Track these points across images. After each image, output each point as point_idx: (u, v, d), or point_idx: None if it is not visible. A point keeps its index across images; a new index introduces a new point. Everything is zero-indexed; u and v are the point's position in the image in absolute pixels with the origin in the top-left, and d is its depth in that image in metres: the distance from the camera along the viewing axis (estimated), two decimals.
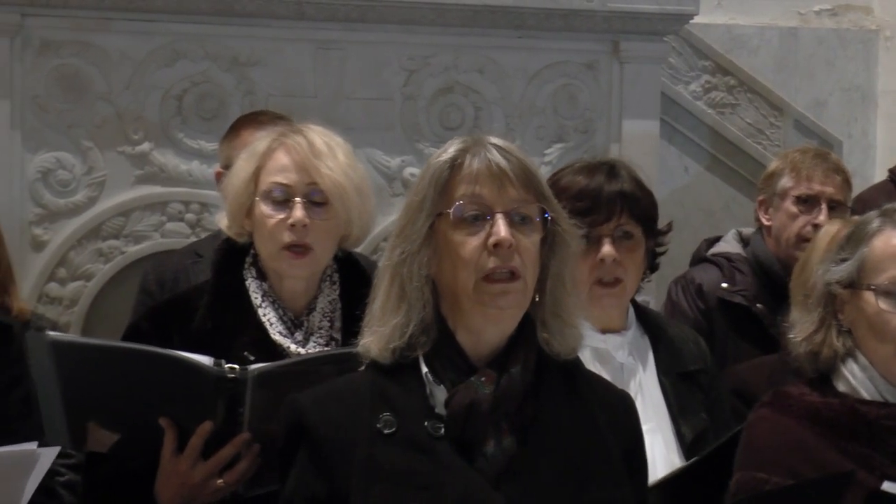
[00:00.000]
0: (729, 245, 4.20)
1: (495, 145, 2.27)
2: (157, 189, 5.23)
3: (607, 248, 2.95)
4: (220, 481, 2.60)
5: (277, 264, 2.78)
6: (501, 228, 2.22)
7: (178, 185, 5.23)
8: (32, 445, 2.40)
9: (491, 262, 2.21)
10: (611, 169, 3.03)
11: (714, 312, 4.00)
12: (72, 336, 2.75)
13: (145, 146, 5.21)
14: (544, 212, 2.26)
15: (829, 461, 2.55)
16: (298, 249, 2.77)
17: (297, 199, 2.77)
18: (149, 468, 2.62)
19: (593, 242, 2.94)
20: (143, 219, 5.22)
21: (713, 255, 4.16)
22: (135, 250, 5.17)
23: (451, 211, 2.23)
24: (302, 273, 2.80)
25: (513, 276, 2.23)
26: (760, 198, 4.16)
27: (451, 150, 2.28)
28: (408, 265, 2.24)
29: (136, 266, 5.02)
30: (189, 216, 5.23)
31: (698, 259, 4.24)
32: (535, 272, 2.26)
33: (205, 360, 2.56)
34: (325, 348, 2.79)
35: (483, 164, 2.24)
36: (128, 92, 5.17)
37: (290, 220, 2.76)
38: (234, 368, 2.56)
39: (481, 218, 2.23)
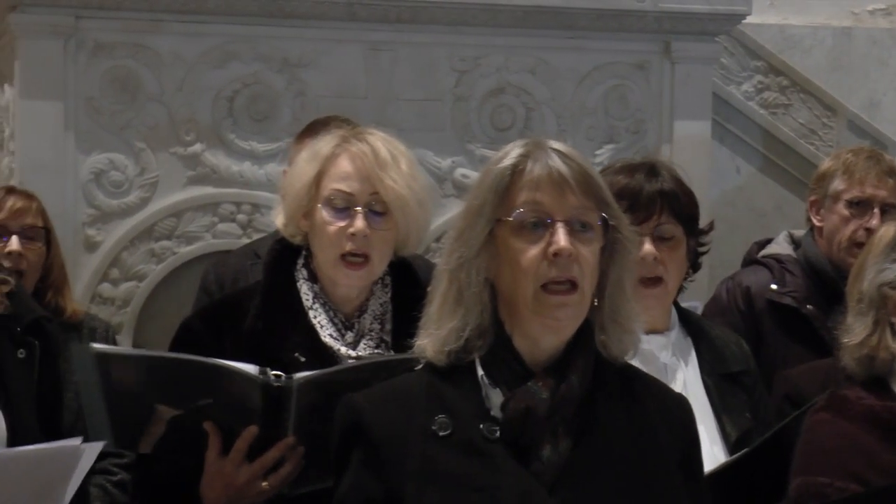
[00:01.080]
0: (780, 247, 4.16)
1: (557, 151, 2.25)
2: (208, 190, 5.26)
3: (647, 247, 2.94)
4: (264, 483, 2.61)
5: (334, 272, 2.78)
6: (561, 238, 2.20)
7: (230, 186, 5.26)
8: (76, 441, 2.42)
9: (550, 272, 2.20)
10: (651, 168, 3.02)
11: (762, 315, 3.96)
12: (116, 347, 2.76)
13: (197, 147, 5.23)
14: (605, 219, 2.25)
15: (891, 465, 2.53)
16: (357, 259, 2.77)
17: (359, 209, 2.77)
18: (195, 469, 2.63)
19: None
20: (194, 220, 5.25)
21: (763, 256, 4.13)
22: (187, 251, 5.20)
23: (510, 218, 2.22)
24: (357, 284, 2.80)
25: (571, 286, 2.21)
26: (812, 198, 4.12)
27: (512, 155, 2.25)
28: (465, 270, 2.23)
29: (188, 267, 5.06)
30: (241, 217, 5.25)
31: (748, 261, 4.20)
32: (594, 280, 2.24)
33: (251, 368, 2.57)
34: (376, 351, 2.78)
35: (544, 170, 2.22)
36: (180, 93, 5.20)
37: (351, 230, 2.76)
38: (279, 377, 2.56)
39: (541, 225, 2.21)
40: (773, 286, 3.96)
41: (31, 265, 3.93)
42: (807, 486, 2.53)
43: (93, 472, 3.69)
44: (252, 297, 2.82)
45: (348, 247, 2.76)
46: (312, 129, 3.90)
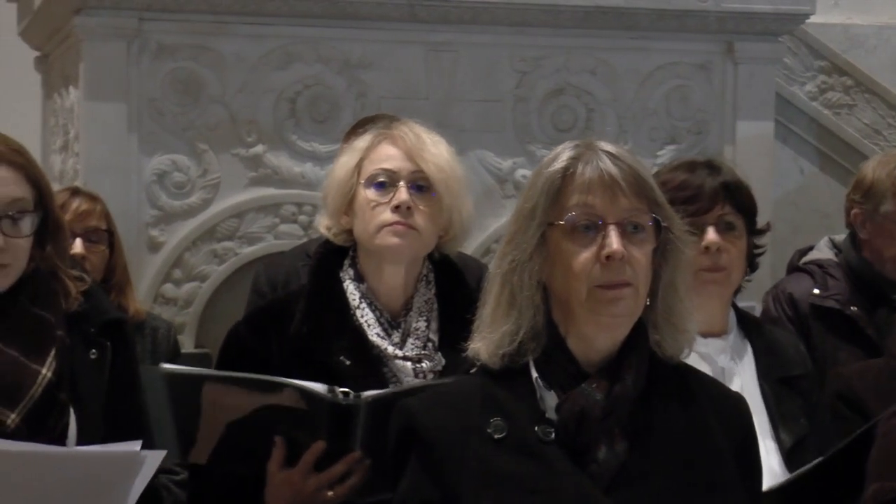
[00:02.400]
0: (821, 252, 4.15)
1: (607, 152, 2.24)
2: (270, 191, 5.29)
3: (712, 235, 2.94)
4: (330, 493, 2.62)
5: (381, 242, 2.77)
6: (614, 241, 2.19)
7: (292, 187, 5.28)
8: (136, 446, 2.43)
9: (603, 275, 2.19)
10: (710, 163, 3.04)
11: (808, 320, 3.95)
12: (186, 368, 2.78)
13: (259, 148, 5.26)
14: (657, 220, 2.24)
15: None
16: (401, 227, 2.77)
17: (402, 184, 2.78)
18: (248, 477, 2.65)
19: (696, 231, 2.92)
20: (256, 220, 5.28)
21: (805, 263, 4.13)
22: (248, 252, 5.23)
23: (562, 222, 2.21)
24: (405, 251, 2.78)
25: (625, 285, 2.21)
26: (855, 211, 4.06)
27: (562, 157, 2.25)
28: (518, 273, 2.23)
29: (250, 267, 5.08)
30: (302, 218, 5.27)
31: (791, 269, 4.20)
32: (648, 281, 2.24)
33: (319, 387, 2.58)
34: (423, 351, 2.79)
35: (595, 172, 2.22)
36: (242, 95, 5.22)
37: (395, 202, 2.76)
38: (347, 395, 2.57)
39: (593, 228, 2.21)
40: (816, 290, 3.95)
41: (93, 267, 3.96)
42: (883, 491, 2.50)
43: (157, 471, 3.73)
44: (297, 300, 2.83)
45: (392, 219, 2.76)
46: (360, 127, 3.92)
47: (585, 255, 2.20)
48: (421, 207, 2.78)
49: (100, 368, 2.66)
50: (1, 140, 2.64)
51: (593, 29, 5.47)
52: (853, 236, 4.07)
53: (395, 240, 2.77)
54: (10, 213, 2.56)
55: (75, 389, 2.60)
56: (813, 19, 5.94)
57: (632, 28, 5.50)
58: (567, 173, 2.23)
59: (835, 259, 4.07)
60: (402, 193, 2.77)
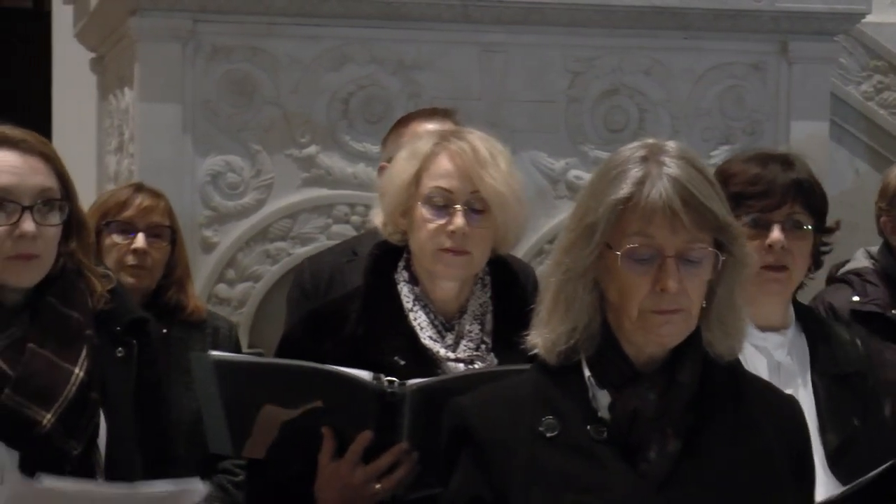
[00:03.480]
0: (857, 262, 4.17)
1: (673, 178, 2.20)
2: (323, 191, 5.31)
3: (776, 234, 2.91)
4: (377, 486, 2.62)
5: (434, 266, 2.79)
6: (670, 277, 2.17)
7: (344, 188, 5.29)
8: (197, 484, 2.44)
9: (657, 304, 2.18)
10: (785, 159, 3.00)
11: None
12: (234, 355, 2.79)
13: (312, 149, 5.28)
14: (719, 246, 2.22)
15: None
16: (457, 252, 2.77)
17: (458, 207, 2.77)
18: (304, 473, 2.66)
19: (762, 228, 2.90)
20: (309, 221, 5.30)
21: (842, 274, 4.13)
22: (301, 252, 5.24)
23: (620, 252, 2.20)
24: (458, 274, 2.80)
25: (677, 311, 2.20)
26: (883, 218, 4.07)
27: (629, 179, 2.20)
28: (573, 284, 2.23)
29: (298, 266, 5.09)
30: (355, 218, 5.28)
31: (829, 280, 4.21)
32: (702, 298, 2.23)
33: (364, 374, 2.59)
34: (476, 353, 2.79)
35: (658, 202, 2.18)
36: (295, 95, 5.24)
37: (451, 227, 2.76)
38: (392, 383, 2.58)
39: (650, 260, 2.20)
40: (855, 298, 3.96)
41: (155, 263, 3.98)
42: None
43: (214, 471, 3.75)
44: (353, 301, 2.83)
45: (447, 244, 2.76)
46: (401, 123, 3.91)
47: (641, 283, 2.19)
48: (476, 230, 2.78)
49: (127, 367, 2.67)
50: (28, 133, 2.65)
51: (647, 29, 5.46)
52: (887, 243, 4.08)
53: (449, 263, 2.78)
54: (41, 202, 2.58)
55: (104, 388, 2.62)
56: (869, 18, 5.90)
57: (686, 28, 5.48)
58: (630, 201, 2.20)
59: (871, 267, 4.08)
60: (458, 219, 2.76)
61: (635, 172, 2.21)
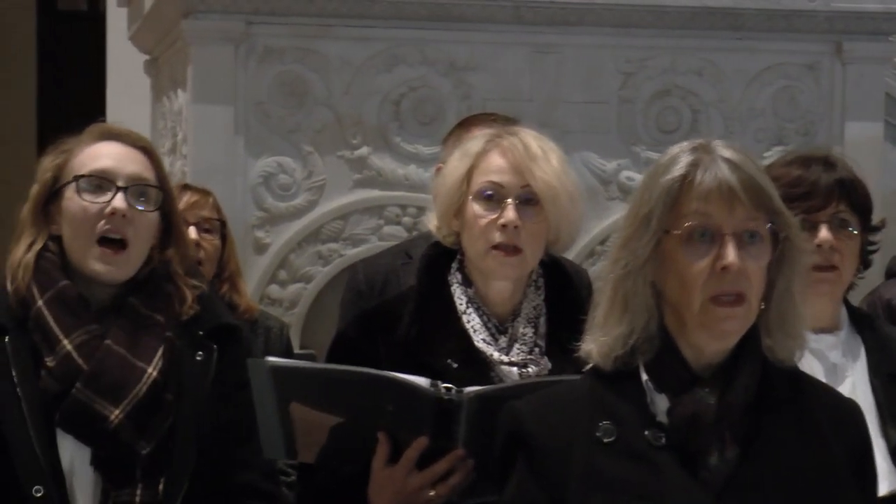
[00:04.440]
0: None
1: (726, 159, 2.21)
2: (374, 193, 5.32)
3: (824, 234, 2.89)
4: (432, 493, 2.62)
5: (486, 264, 2.78)
6: (730, 252, 2.16)
7: (396, 189, 5.30)
8: None
9: (719, 286, 2.17)
10: (826, 159, 2.99)
11: None
12: (290, 361, 2.80)
13: (364, 150, 5.29)
14: (776, 230, 2.21)
15: None
16: (509, 249, 2.76)
17: (510, 200, 2.77)
18: (357, 476, 2.66)
19: (809, 229, 2.88)
20: (361, 222, 5.31)
21: None
22: (353, 253, 5.26)
23: (679, 232, 2.19)
24: (511, 273, 2.79)
25: (739, 298, 2.18)
26: None
27: (680, 163, 2.21)
28: (632, 279, 2.21)
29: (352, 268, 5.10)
30: (406, 220, 5.29)
31: (889, 275, 4.17)
32: (762, 289, 2.21)
33: (422, 381, 2.58)
34: (529, 356, 2.78)
35: (713, 182, 2.18)
36: (347, 97, 5.26)
37: (502, 221, 2.75)
38: (449, 390, 2.57)
39: (710, 239, 2.18)
40: None
41: (207, 256, 4.00)
42: None
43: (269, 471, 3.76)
44: (405, 303, 2.83)
45: (499, 238, 2.75)
46: (462, 126, 3.92)
47: (701, 265, 2.17)
48: (528, 225, 2.77)
49: (204, 371, 2.68)
50: (131, 130, 2.76)
51: (699, 29, 5.44)
52: None
53: (502, 262, 2.77)
54: (134, 185, 2.65)
55: (179, 391, 2.64)
56: None
57: (739, 28, 5.46)
58: (685, 181, 2.20)
59: None
60: (510, 212, 2.76)
61: (688, 157, 2.22)
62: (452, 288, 2.83)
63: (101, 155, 2.67)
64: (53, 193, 2.69)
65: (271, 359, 2.70)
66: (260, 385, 2.62)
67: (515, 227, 2.74)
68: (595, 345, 2.24)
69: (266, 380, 2.61)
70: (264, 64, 5.23)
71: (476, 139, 2.90)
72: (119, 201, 2.62)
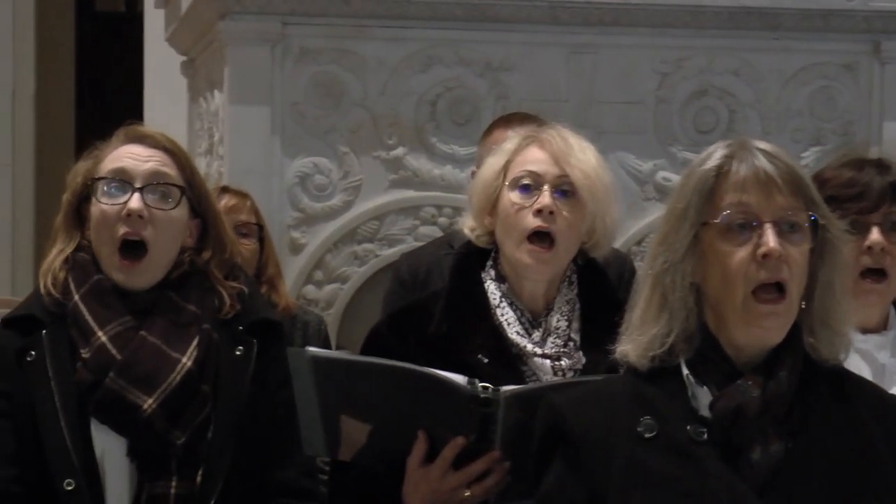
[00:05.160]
0: None
1: (762, 150, 2.20)
2: (410, 193, 5.32)
3: (875, 236, 2.88)
4: (467, 493, 2.62)
5: (521, 256, 2.77)
6: (770, 239, 2.15)
7: (432, 190, 5.31)
8: None
9: (759, 274, 2.15)
10: (880, 162, 2.98)
11: None
12: (331, 352, 2.80)
13: (399, 151, 5.29)
14: (815, 219, 2.20)
15: None
16: (543, 242, 2.76)
17: (546, 187, 2.77)
18: (390, 473, 2.66)
19: (860, 230, 2.87)
20: (396, 222, 5.31)
21: None
22: (389, 253, 5.26)
23: (717, 221, 2.18)
24: (543, 270, 2.78)
25: (780, 290, 2.17)
26: None
27: (716, 156, 2.22)
28: (670, 274, 2.19)
29: (390, 269, 5.10)
30: (442, 220, 5.29)
31: None
32: (803, 282, 2.19)
33: (459, 378, 2.58)
34: (563, 349, 2.77)
35: (750, 170, 2.18)
36: (383, 97, 5.26)
37: (538, 205, 2.75)
38: (486, 388, 2.57)
39: (749, 227, 2.17)
40: None
41: (243, 260, 3.99)
42: None
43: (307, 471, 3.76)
44: (437, 301, 2.84)
45: (535, 224, 2.75)
46: (497, 126, 3.93)
47: (741, 255, 2.16)
48: (564, 213, 2.76)
49: (244, 366, 2.69)
50: (157, 132, 2.76)
51: (736, 29, 5.42)
52: None
53: (535, 256, 2.76)
54: (153, 184, 2.64)
55: (217, 384, 2.64)
56: None
57: (776, 28, 5.43)
58: (721, 172, 2.19)
59: None
60: (546, 197, 2.76)
61: (723, 150, 2.22)
62: (486, 284, 2.83)
63: (121, 156, 2.67)
64: (83, 198, 2.70)
65: (311, 349, 2.70)
66: (300, 375, 2.61)
67: (551, 212, 2.74)
68: (631, 345, 2.23)
69: (306, 370, 2.60)
70: (300, 64, 5.24)
71: (512, 138, 2.90)
72: (135, 202, 2.62)
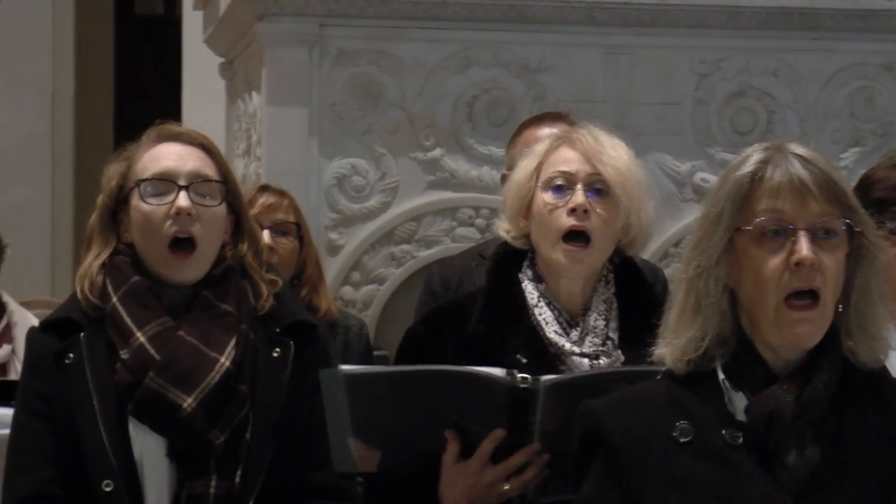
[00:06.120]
0: None
1: (797, 156, 2.19)
2: (447, 194, 5.32)
3: None
4: (506, 486, 2.62)
5: (557, 256, 2.78)
6: (804, 246, 2.14)
7: (469, 191, 5.30)
8: None
9: (792, 282, 2.14)
10: None
11: None
12: (364, 368, 2.80)
13: (437, 152, 5.29)
14: (850, 226, 2.19)
15: None
16: (579, 241, 2.76)
17: (579, 186, 2.77)
18: (423, 473, 2.66)
19: None
20: (434, 224, 5.31)
21: None
22: (426, 255, 5.26)
23: (750, 227, 2.17)
24: (579, 269, 2.78)
25: (814, 297, 2.16)
26: None
27: (751, 161, 2.20)
28: (704, 279, 2.19)
29: (427, 270, 5.11)
30: (479, 221, 5.29)
31: None
32: (838, 289, 2.18)
33: (497, 371, 2.58)
34: (601, 348, 2.77)
35: (785, 177, 2.17)
36: (420, 99, 5.27)
37: (571, 205, 2.76)
38: (525, 378, 2.56)
39: (782, 234, 2.16)
40: None
41: (281, 259, 4.00)
42: None
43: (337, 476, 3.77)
44: (475, 301, 2.84)
45: (569, 223, 2.75)
46: (527, 126, 3.92)
47: (774, 262, 2.15)
48: (598, 211, 2.76)
49: (281, 367, 2.70)
50: (191, 129, 2.80)
51: (775, 30, 5.40)
52: None
53: (571, 256, 2.76)
54: (197, 182, 2.67)
55: (254, 384, 2.65)
56: None
57: (815, 28, 5.41)
58: (755, 177, 2.18)
59: None
60: (579, 196, 2.76)
61: (759, 155, 2.21)
62: (523, 284, 2.84)
63: (160, 156, 2.70)
64: (120, 201, 2.72)
65: (345, 367, 2.69)
66: (332, 395, 2.61)
67: (585, 210, 2.74)
68: (668, 349, 2.23)
69: (340, 389, 2.60)
70: (338, 66, 5.25)
71: (543, 140, 2.91)
72: (182, 200, 2.65)
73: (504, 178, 3.94)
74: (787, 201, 2.16)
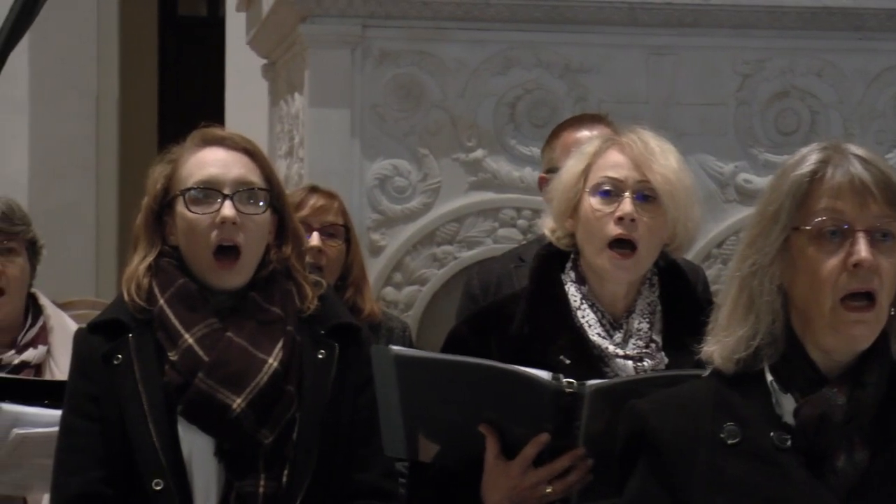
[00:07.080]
0: None
1: (857, 156, 2.17)
2: (489, 195, 5.31)
3: None
4: (549, 490, 2.62)
5: (601, 264, 2.77)
6: (862, 248, 2.13)
7: (511, 192, 5.30)
8: None
9: (850, 283, 2.13)
10: None
11: None
12: (415, 351, 2.81)
13: (479, 153, 5.29)
14: None
15: None
16: (624, 247, 2.75)
17: (627, 194, 2.76)
18: (468, 472, 2.66)
19: None
20: (476, 225, 5.31)
21: None
22: (468, 256, 5.26)
23: (808, 227, 2.16)
24: (624, 276, 2.78)
25: (870, 299, 2.14)
26: None
27: (810, 160, 2.19)
28: (758, 277, 2.18)
29: (469, 271, 5.11)
30: (521, 222, 5.28)
31: None
32: (893, 291, 2.17)
33: (543, 374, 2.58)
34: (645, 350, 2.76)
35: (845, 177, 2.15)
36: (462, 100, 5.27)
37: (619, 213, 2.75)
38: (571, 383, 2.56)
39: (841, 235, 2.15)
40: None
41: (330, 262, 4.02)
42: None
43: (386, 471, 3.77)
44: (518, 302, 2.83)
45: (616, 231, 2.74)
46: (565, 127, 3.91)
47: (832, 263, 2.14)
48: (645, 219, 2.75)
49: (326, 369, 2.71)
50: (234, 133, 2.80)
51: (819, 30, 5.36)
52: None
53: (616, 264, 2.76)
54: (241, 190, 2.68)
55: (301, 386, 2.67)
56: None
57: (860, 28, 5.38)
58: (815, 177, 2.17)
59: None
60: (627, 205, 2.75)
61: (818, 155, 2.19)
62: (567, 286, 2.83)
63: (205, 163, 2.71)
64: (165, 204, 2.73)
65: (395, 347, 2.71)
66: (383, 375, 2.63)
67: (632, 219, 2.73)
68: (717, 347, 2.22)
69: (389, 369, 2.61)
70: (380, 67, 5.26)
71: (592, 140, 2.90)
72: (227, 209, 2.66)
73: (542, 181, 3.94)
74: (847, 202, 2.15)
